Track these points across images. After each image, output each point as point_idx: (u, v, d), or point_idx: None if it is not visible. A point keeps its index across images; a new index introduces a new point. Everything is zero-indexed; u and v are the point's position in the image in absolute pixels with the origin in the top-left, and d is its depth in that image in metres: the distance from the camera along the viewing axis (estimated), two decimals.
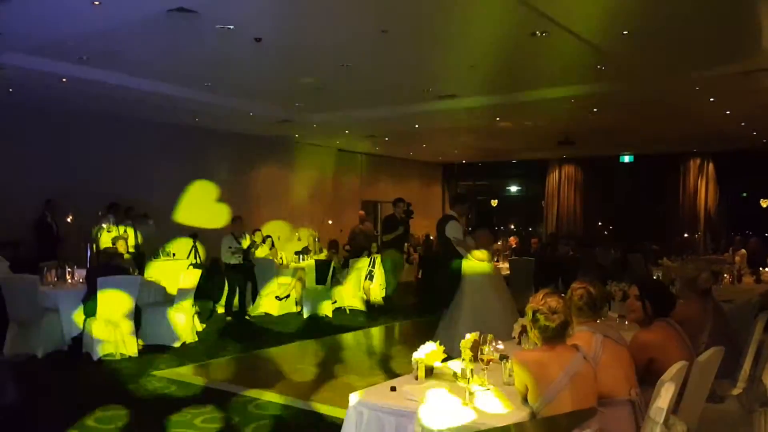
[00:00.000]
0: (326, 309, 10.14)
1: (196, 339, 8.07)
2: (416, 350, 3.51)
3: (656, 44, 7.67)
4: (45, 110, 10.80)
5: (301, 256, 11.10)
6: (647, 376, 3.39)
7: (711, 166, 17.06)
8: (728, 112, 11.46)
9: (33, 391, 5.93)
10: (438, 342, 3.66)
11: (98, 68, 8.79)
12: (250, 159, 14.65)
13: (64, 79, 8.94)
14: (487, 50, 8.01)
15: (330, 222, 14.92)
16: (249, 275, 10.10)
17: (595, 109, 11.25)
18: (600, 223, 18.89)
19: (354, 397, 3.20)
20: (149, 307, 7.88)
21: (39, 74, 8.69)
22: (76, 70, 8.67)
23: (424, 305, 10.91)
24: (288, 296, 10.41)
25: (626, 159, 17.78)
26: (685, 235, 16.67)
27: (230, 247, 9.80)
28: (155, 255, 10.71)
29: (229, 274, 9.87)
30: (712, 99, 10.31)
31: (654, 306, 3.76)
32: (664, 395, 2.90)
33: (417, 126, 13.30)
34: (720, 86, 9.47)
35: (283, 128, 13.32)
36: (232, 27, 6.97)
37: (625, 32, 7.10)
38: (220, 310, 9.97)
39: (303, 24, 7.03)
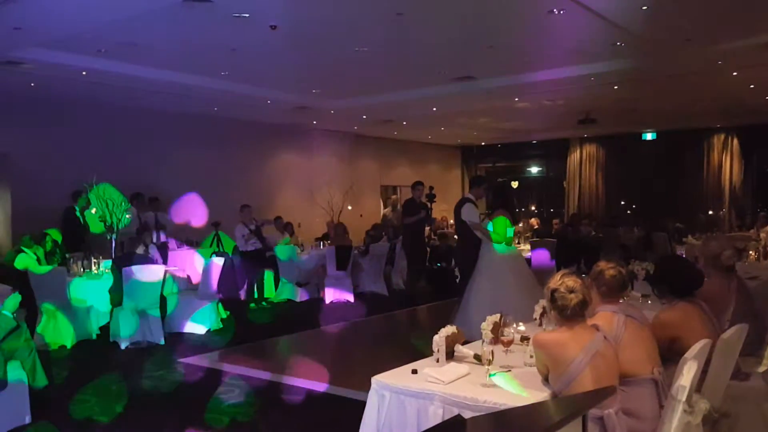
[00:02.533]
0: (347, 294, 10.20)
1: (221, 326, 8.19)
2: (437, 333, 3.53)
3: (676, 18, 7.51)
4: (66, 103, 10.92)
5: (321, 242, 11.16)
6: (671, 354, 3.36)
7: (735, 141, 16.72)
8: (752, 86, 11.22)
9: (63, 378, 6.06)
10: (456, 325, 3.68)
11: (116, 60, 8.87)
12: (268, 146, 14.69)
13: (84, 72, 9.05)
14: (504, 30, 7.93)
15: (350, 207, 14.93)
16: (270, 262, 10.18)
17: (615, 87, 11.08)
18: (623, 202, 18.67)
19: (376, 381, 3.24)
20: (174, 295, 8.00)
21: (59, 68, 8.80)
22: (94, 62, 8.76)
23: (438, 289, 10.90)
24: (309, 282, 10.49)
25: (648, 136, 17.48)
26: (710, 212, 16.41)
27: (243, 236, 9.91)
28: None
29: (248, 262, 9.96)
30: (735, 73, 10.11)
31: (677, 285, 3.73)
32: (687, 373, 2.88)
33: (435, 109, 13.22)
34: (743, 59, 9.27)
35: (301, 115, 13.34)
36: (247, 15, 6.98)
37: (644, 7, 6.97)
38: (243, 297, 10.09)
39: (318, 10, 7.00)
